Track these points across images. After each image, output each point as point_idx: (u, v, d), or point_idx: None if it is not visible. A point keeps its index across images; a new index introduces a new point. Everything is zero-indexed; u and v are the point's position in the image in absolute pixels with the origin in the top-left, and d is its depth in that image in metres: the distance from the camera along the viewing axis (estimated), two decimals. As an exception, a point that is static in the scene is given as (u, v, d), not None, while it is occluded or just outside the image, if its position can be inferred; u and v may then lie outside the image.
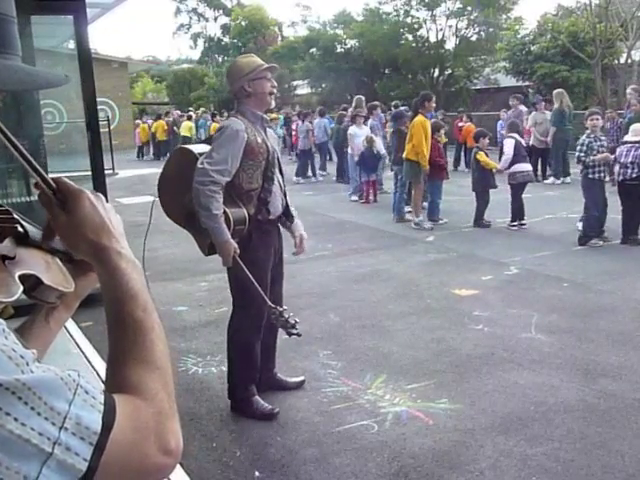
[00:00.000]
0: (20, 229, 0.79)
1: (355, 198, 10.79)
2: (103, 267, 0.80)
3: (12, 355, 0.58)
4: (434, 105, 8.63)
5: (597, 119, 7.08)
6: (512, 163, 7.88)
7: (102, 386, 0.69)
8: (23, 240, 0.80)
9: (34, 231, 0.82)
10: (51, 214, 0.80)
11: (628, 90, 10.16)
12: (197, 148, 3.32)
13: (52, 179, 0.79)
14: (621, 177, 6.74)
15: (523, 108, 12.59)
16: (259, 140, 3.19)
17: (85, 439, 0.60)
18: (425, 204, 8.71)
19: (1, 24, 0.65)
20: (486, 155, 8.13)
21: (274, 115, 17.53)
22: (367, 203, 10.62)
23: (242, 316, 3.31)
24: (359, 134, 10.34)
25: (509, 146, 7.97)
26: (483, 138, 8.32)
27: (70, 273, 0.93)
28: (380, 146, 10.22)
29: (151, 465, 0.66)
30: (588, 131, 7.09)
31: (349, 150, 10.95)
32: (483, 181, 8.16)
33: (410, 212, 9.10)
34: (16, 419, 0.55)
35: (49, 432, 0.57)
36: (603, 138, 7.17)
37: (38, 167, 0.77)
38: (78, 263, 0.94)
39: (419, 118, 8.07)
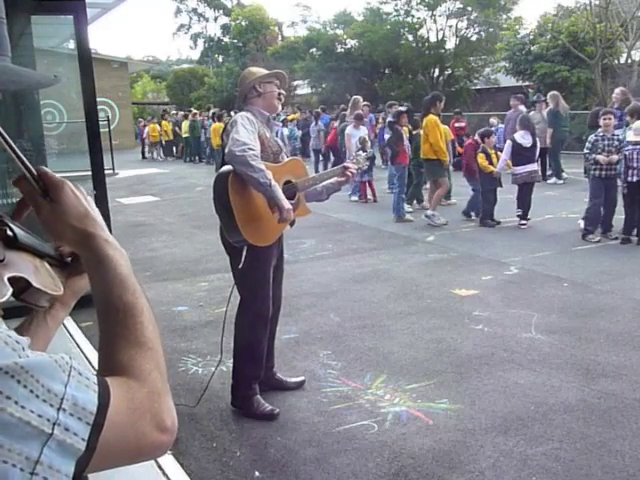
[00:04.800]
0: (9, 232, 0.79)
1: (355, 198, 10.82)
2: (91, 254, 0.81)
3: (8, 341, 0.59)
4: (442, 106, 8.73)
5: (609, 119, 7.15)
6: (514, 164, 7.96)
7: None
8: (12, 243, 0.80)
9: (22, 234, 0.82)
10: (33, 203, 0.81)
11: (616, 90, 10.24)
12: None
13: (34, 168, 0.80)
14: (636, 178, 6.71)
15: (522, 108, 12.60)
16: (268, 135, 3.31)
17: (82, 419, 0.61)
18: (454, 200, 9.03)
19: None
20: (487, 157, 8.15)
21: (293, 116, 17.53)
22: (366, 203, 10.65)
23: (248, 311, 3.34)
24: (355, 135, 10.34)
25: (506, 149, 8.10)
26: (488, 138, 8.35)
27: (64, 273, 0.93)
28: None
29: (148, 443, 0.67)
30: (600, 129, 7.19)
31: (346, 150, 10.98)
32: (488, 181, 8.18)
33: (410, 212, 9.13)
34: (16, 402, 0.56)
35: (48, 414, 0.58)
36: (615, 137, 7.16)
37: (21, 155, 0.77)
38: (73, 263, 0.95)
39: (431, 117, 8.21)
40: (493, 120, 13.73)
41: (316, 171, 14.36)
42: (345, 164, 3.60)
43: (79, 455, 0.60)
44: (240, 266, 3.23)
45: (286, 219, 3.08)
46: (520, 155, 7.94)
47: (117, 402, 0.65)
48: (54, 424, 0.58)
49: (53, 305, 0.96)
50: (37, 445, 0.57)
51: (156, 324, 0.78)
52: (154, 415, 0.68)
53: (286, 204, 3.05)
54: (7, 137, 0.75)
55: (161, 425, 0.68)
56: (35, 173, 0.80)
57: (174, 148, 22.51)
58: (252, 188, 3.11)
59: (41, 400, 0.58)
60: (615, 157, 6.94)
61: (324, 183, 3.55)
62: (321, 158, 14.86)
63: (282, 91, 3.44)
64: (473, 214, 8.67)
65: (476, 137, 8.77)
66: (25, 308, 0.84)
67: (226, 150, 3.08)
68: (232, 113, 19.50)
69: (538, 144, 8.29)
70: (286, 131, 16.18)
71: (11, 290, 0.73)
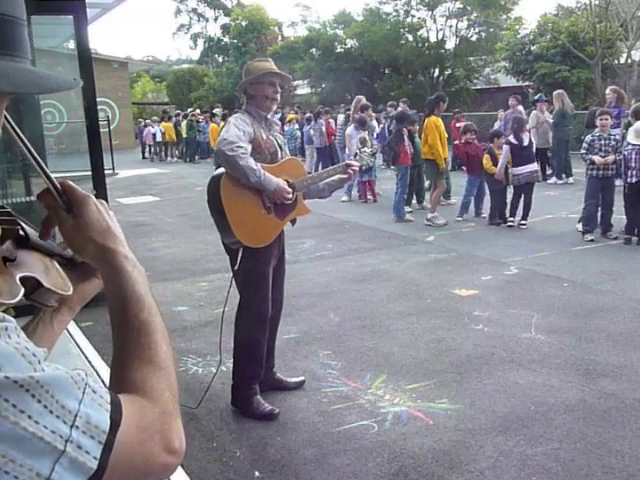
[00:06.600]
0: (21, 232, 0.80)
1: (345, 198, 10.74)
2: (110, 269, 0.81)
3: (25, 353, 0.58)
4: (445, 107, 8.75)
5: (606, 119, 7.15)
6: (513, 166, 7.97)
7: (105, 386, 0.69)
8: (23, 243, 0.80)
9: (34, 234, 0.82)
10: (56, 216, 0.81)
11: (607, 91, 10.27)
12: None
13: (59, 182, 0.80)
14: (635, 178, 6.72)
15: (521, 108, 12.59)
16: (264, 136, 3.29)
17: (95, 438, 0.60)
18: (454, 200, 9.16)
19: (12, 27, 0.65)
20: (493, 157, 8.16)
21: (292, 116, 17.47)
22: (366, 203, 10.64)
23: (248, 311, 3.34)
24: (355, 135, 10.33)
25: (503, 153, 8.10)
26: (497, 138, 8.37)
27: (72, 277, 0.93)
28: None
29: (156, 464, 0.67)
30: (597, 130, 7.20)
31: (346, 150, 10.96)
32: (494, 181, 8.21)
33: (410, 212, 9.13)
34: (30, 417, 0.55)
35: (61, 430, 0.58)
36: (612, 137, 7.15)
37: (47, 169, 0.78)
38: (82, 268, 0.95)
39: (432, 119, 8.21)
40: (503, 113, 13.48)
41: (316, 170, 14.34)
42: (348, 162, 3.60)
43: (90, 474, 0.59)
44: (236, 267, 3.24)
45: (274, 198, 3.18)
46: (519, 156, 7.94)
47: (129, 421, 0.64)
48: (67, 441, 0.58)
49: (60, 308, 0.96)
50: (49, 462, 0.56)
51: (170, 344, 0.78)
52: (163, 436, 0.68)
53: (272, 185, 3.13)
54: (33, 150, 0.76)
55: (169, 447, 0.68)
56: (59, 187, 0.80)
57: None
58: (245, 190, 3.13)
59: (55, 416, 0.57)
60: (611, 158, 6.93)
61: (326, 181, 3.54)
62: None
63: (277, 89, 3.32)
64: (483, 212, 8.68)
65: (467, 134, 8.77)
66: (31, 306, 0.84)
67: (215, 148, 3.12)
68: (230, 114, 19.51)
69: (534, 144, 8.28)
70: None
71: (23, 290, 0.73)
